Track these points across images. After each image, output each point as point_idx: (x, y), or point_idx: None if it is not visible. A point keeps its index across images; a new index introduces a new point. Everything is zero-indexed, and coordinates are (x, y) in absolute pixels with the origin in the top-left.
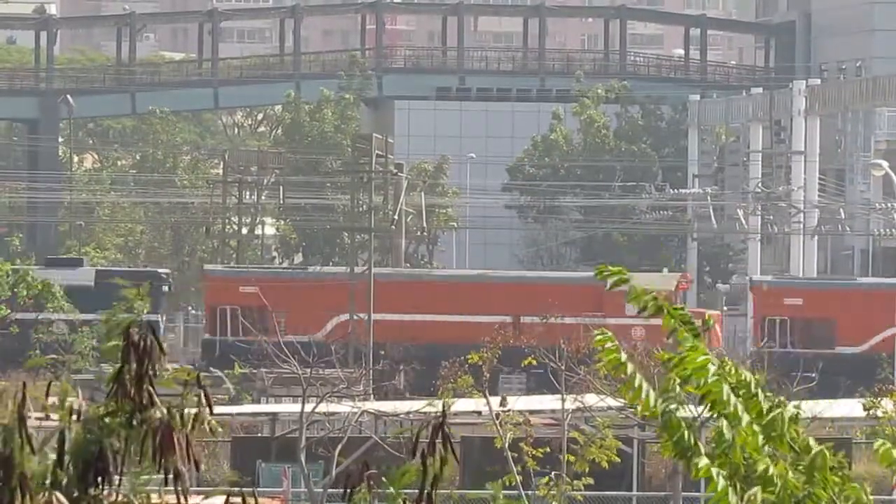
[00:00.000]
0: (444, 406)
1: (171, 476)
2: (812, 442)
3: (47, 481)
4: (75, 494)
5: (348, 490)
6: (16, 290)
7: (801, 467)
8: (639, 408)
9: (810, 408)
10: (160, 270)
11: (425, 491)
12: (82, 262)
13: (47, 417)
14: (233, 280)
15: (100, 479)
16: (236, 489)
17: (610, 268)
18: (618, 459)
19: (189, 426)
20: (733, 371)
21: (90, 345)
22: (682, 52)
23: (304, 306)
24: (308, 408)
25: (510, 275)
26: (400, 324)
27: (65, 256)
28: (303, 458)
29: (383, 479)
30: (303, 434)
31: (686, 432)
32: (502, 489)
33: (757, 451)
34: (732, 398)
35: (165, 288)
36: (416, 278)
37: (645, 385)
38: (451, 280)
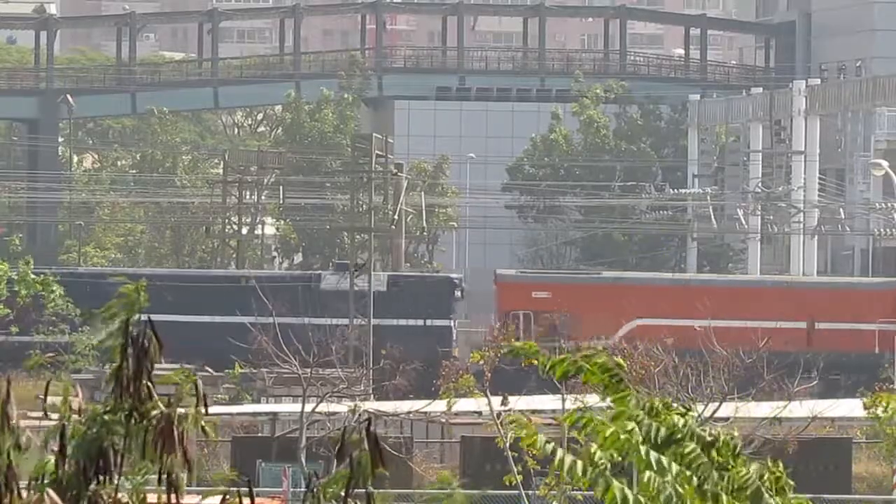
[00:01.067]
0: (356, 406)
1: (167, 476)
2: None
3: (46, 478)
4: (76, 491)
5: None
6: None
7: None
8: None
9: (810, 407)
10: (453, 275)
11: (351, 491)
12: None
13: (46, 416)
14: (526, 285)
15: (101, 476)
16: (234, 489)
17: (517, 344)
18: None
19: (187, 424)
20: (663, 414)
21: (90, 345)
22: (682, 52)
23: (597, 310)
24: (308, 407)
25: (807, 280)
26: (691, 329)
27: (356, 262)
28: (303, 458)
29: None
30: (303, 434)
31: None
32: (503, 489)
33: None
34: (653, 455)
35: (458, 293)
36: (709, 284)
37: (569, 459)
38: (746, 285)
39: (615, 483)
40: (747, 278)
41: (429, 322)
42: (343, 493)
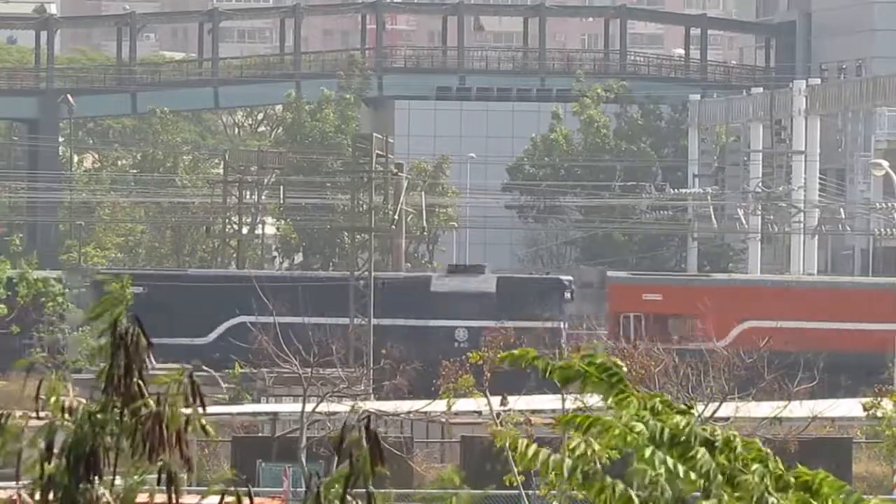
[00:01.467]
0: (354, 406)
1: (164, 475)
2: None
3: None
4: (65, 490)
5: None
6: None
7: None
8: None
9: (810, 407)
10: (563, 277)
11: (348, 489)
12: (484, 268)
13: (38, 416)
14: (636, 287)
15: (91, 475)
16: (232, 488)
17: (514, 352)
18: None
19: (182, 422)
20: (665, 414)
21: (90, 344)
22: (682, 51)
23: (708, 313)
24: (309, 407)
25: None
26: (799, 331)
27: (468, 263)
28: (303, 458)
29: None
30: (303, 434)
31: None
32: (503, 489)
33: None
34: (658, 456)
35: (568, 294)
36: (819, 286)
37: (554, 459)
38: (855, 288)
39: (609, 481)
40: (857, 280)
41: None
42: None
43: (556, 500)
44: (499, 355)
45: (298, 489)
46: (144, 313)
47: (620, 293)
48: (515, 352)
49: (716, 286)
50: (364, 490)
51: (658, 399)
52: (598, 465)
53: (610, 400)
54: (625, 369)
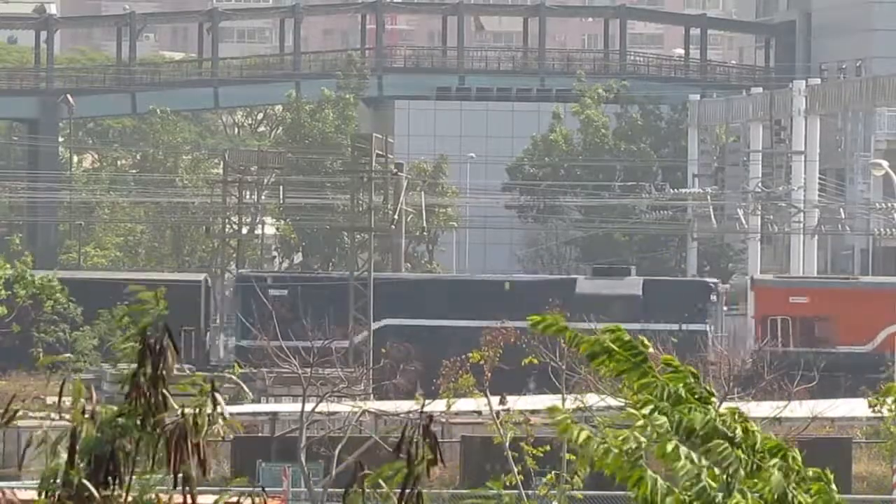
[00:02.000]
0: (422, 405)
1: (180, 478)
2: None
3: (58, 479)
4: (86, 493)
5: (345, 490)
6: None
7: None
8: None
9: (810, 407)
10: (709, 280)
11: (408, 489)
12: (630, 271)
13: (60, 416)
14: (783, 290)
15: (110, 479)
16: (248, 489)
17: (547, 317)
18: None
19: (202, 431)
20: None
21: (91, 345)
22: (682, 51)
23: (856, 316)
24: (308, 407)
25: None
26: None
27: (614, 266)
28: (303, 458)
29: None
30: (303, 434)
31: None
32: (503, 489)
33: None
34: (682, 450)
35: (713, 297)
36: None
37: (602, 447)
38: None
39: (649, 473)
40: None
41: (684, 326)
42: (400, 491)
43: (556, 500)
44: (530, 320)
45: (298, 489)
46: (287, 316)
47: (766, 296)
48: (547, 317)
49: (864, 289)
50: (412, 490)
51: (682, 384)
52: (642, 454)
53: (632, 382)
54: (650, 350)
